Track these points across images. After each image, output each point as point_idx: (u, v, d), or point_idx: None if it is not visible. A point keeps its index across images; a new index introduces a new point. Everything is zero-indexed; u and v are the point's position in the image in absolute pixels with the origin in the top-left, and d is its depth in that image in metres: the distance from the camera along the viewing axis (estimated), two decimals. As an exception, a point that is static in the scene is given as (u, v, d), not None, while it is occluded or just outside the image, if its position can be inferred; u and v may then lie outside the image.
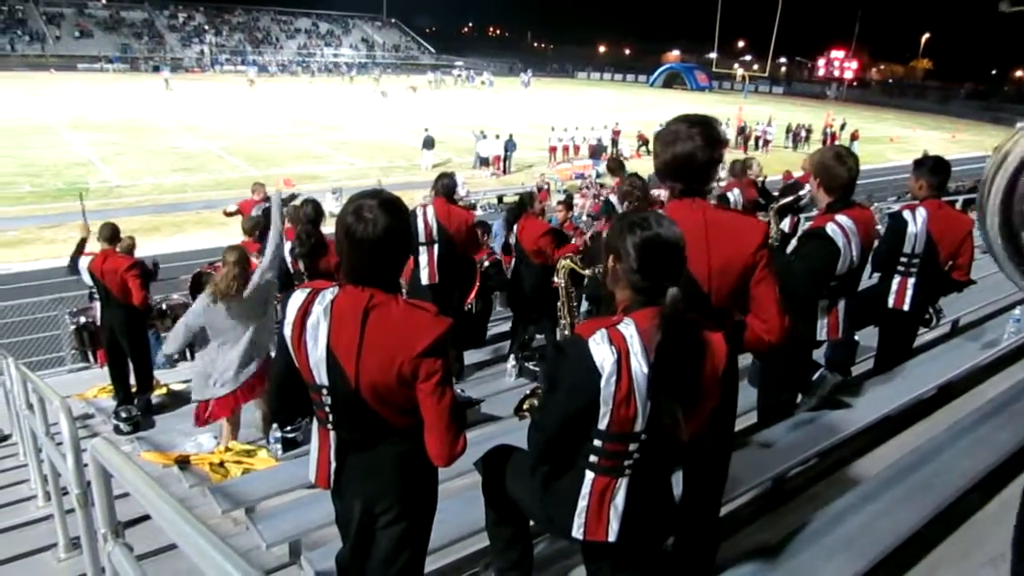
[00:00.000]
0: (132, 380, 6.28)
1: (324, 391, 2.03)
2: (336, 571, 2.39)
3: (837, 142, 27.82)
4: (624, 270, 1.81)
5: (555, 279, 3.08)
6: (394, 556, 2.17)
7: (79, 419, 5.99)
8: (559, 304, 3.01)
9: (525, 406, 2.43)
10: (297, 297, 2.03)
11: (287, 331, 2.02)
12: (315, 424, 2.19)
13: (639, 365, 1.75)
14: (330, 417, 2.08)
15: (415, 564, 2.25)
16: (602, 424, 1.80)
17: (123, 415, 5.87)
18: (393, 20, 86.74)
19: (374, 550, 2.20)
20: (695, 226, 2.12)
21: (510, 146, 25.36)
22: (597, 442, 1.84)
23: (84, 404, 6.68)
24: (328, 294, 1.99)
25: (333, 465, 2.14)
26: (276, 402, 2.28)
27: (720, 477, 2.48)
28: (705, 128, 2.17)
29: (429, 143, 24.69)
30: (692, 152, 2.15)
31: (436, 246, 5.53)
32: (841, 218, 3.29)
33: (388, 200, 1.96)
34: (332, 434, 2.12)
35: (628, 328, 1.78)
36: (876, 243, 3.87)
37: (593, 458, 1.87)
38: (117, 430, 5.78)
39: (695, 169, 2.18)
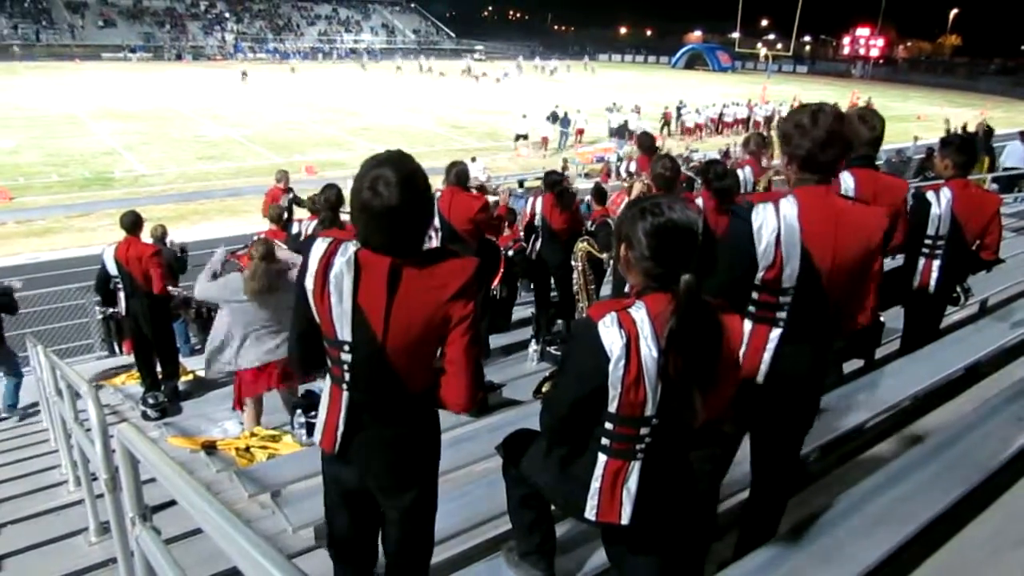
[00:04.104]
0: (158, 367, 6.38)
1: (345, 347, 1.94)
2: (332, 555, 2.38)
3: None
4: (636, 257, 1.78)
5: (572, 262, 3.06)
6: (406, 534, 2.21)
7: (107, 406, 6.11)
8: (576, 287, 2.99)
9: (544, 388, 2.43)
10: (319, 247, 1.93)
11: (308, 283, 1.92)
12: (327, 382, 2.08)
13: (649, 350, 1.73)
14: (346, 376, 1.99)
15: (426, 540, 2.28)
16: (612, 407, 1.79)
17: (150, 401, 5.98)
18: (413, 5, 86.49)
19: (387, 529, 2.25)
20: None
21: (565, 123, 26.16)
22: (608, 425, 1.83)
23: (112, 391, 6.80)
24: (351, 246, 1.91)
25: (341, 428, 2.04)
26: (297, 352, 2.14)
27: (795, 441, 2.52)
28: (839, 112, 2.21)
29: (554, 118, 25.92)
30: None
31: (439, 234, 5.56)
32: (843, 174, 3.27)
33: (407, 173, 1.84)
34: (345, 395, 2.02)
35: (639, 312, 1.75)
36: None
37: (605, 441, 1.86)
38: (145, 416, 5.88)
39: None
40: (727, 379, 1.84)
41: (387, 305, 1.88)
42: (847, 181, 3.27)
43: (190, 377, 6.80)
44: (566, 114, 26.57)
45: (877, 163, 3.62)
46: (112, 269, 6.02)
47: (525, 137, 25.70)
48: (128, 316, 6.18)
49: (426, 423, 2.11)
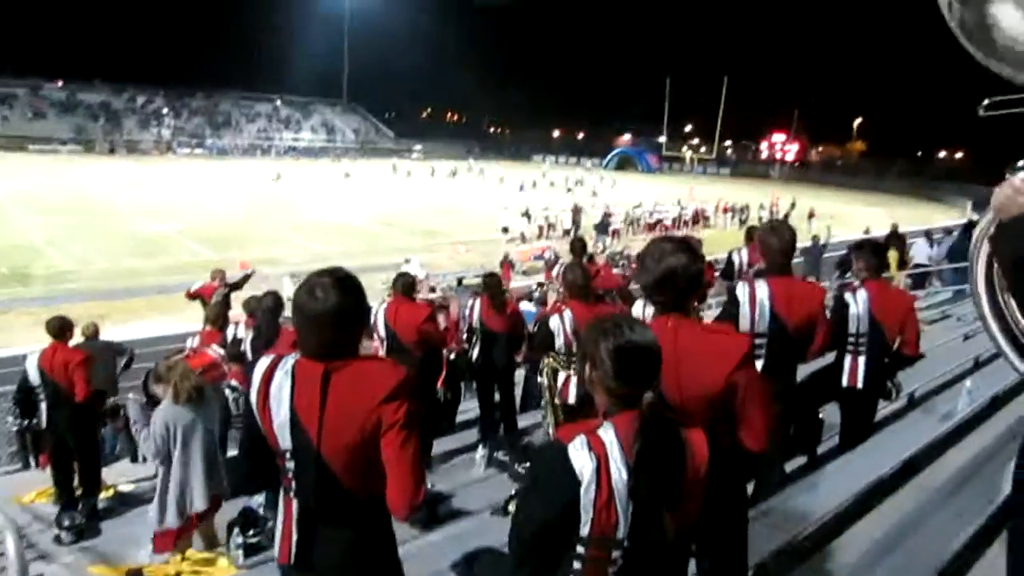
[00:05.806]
0: (76, 482, 5.95)
1: (288, 455, 2.05)
2: None
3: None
4: (600, 377, 1.81)
5: (539, 378, 3.07)
6: None
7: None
8: (543, 403, 2.98)
9: (511, 507, 2.37)
10: (262, 363, 2.09)
11: (252, 396, 2.06)
12: (281, 493, 2.18)
13: (619, 471, 1.72)
14: (293, 484, 2.09)
15: None
16: (583, 531, 1.76)
17: (65, 523, 5.49)
18: (353, 105, 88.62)
19: None
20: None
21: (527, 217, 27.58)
22: (580, 548, 1.79)
23: (20, 510, 6.27)
24: (290, 359, 2.06)
25: (295, 537, 2.10)
26: (244, 467, 2.25)
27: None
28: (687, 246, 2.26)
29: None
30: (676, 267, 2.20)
31: (384, 344, 5.62)
32: (758, 282, 3.41)
33: (341, 278, 2.02)
34: (295, 503, 2.11)
35: (607, 434, 1.76)
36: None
37: (576, 564, 1.81)
38: (58, 540, 5.42)
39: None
40: (692, 496, 1.83)
41: (320, 411, 1.99)
42: (762, 290, 3.36)
43: (111, 493, 6.34)
44: (527, 209, 27.85)
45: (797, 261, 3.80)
46: (35, 379, 5.70)
47: (506, 230, 26.55)
48: (49, 428, 5.81)
49: (377, 527, 2.14)
